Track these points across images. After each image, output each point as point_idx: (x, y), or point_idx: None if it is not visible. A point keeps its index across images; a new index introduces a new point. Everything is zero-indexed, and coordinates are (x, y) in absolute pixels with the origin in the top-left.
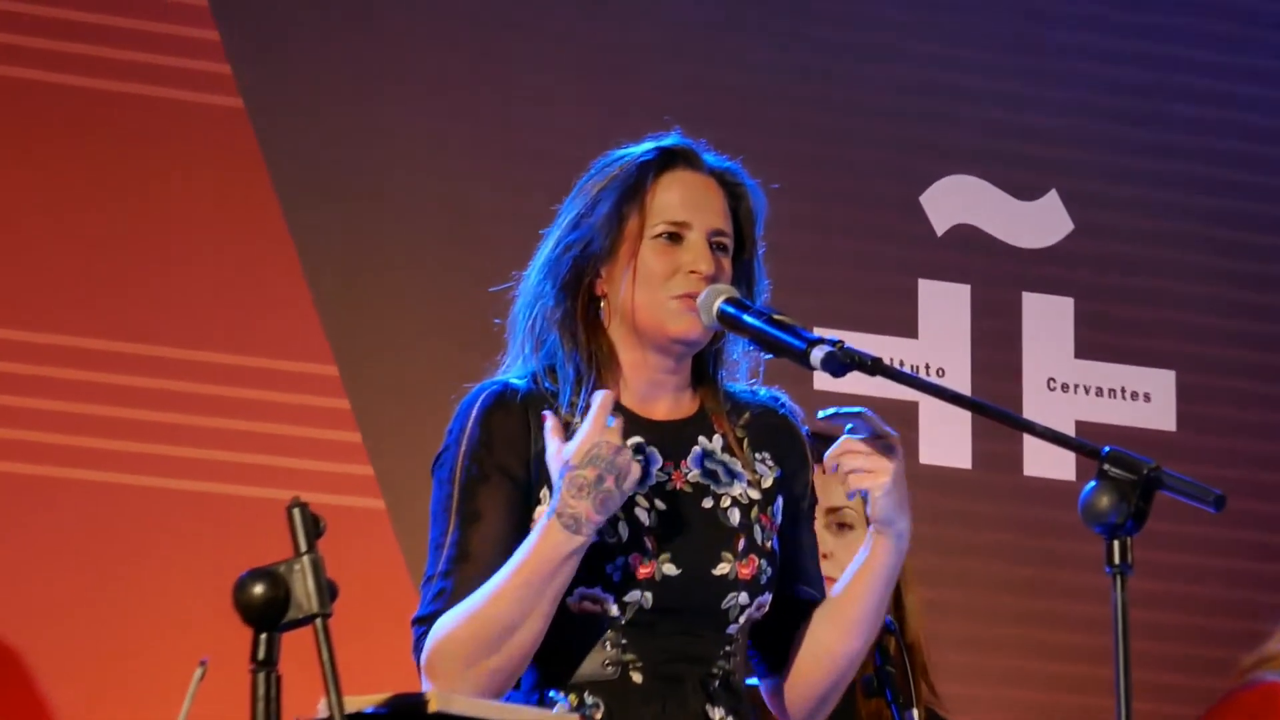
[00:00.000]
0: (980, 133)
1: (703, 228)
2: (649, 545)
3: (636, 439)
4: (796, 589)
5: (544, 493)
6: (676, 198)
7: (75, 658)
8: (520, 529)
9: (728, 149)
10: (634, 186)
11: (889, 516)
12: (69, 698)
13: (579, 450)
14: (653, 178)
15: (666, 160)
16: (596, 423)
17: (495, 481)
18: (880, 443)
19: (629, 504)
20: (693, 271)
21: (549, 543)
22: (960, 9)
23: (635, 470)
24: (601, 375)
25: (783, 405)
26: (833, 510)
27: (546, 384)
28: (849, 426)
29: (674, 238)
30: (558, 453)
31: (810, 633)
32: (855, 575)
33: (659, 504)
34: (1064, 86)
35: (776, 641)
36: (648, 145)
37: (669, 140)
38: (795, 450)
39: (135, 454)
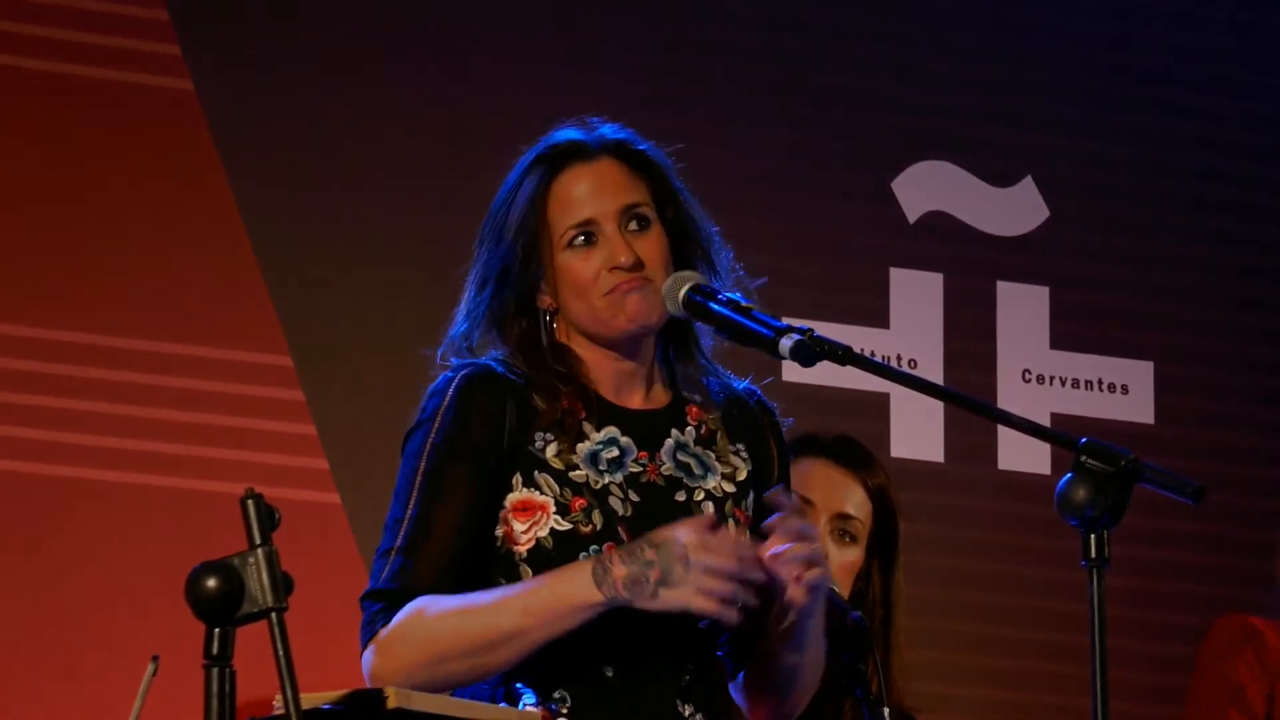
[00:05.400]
0: (953, 117)
1: (610, 213)
2: (623, 536)
3: (611, 429)
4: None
5: (515, 478)
6: (574, 196)
7: (25, 655)
8: (487, 512)
9: (695, 136)
10: (531, 205)
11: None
12: (18, 695)
13: (665, 534)
14: (545, 188)
15: (553, 165)
16: (698, 526)
17: (465, 461)
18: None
19: (604, 492)
20: (614, 267)
21: (569, 582)
22: None
23: (682, 593)
24: (572, 383)
25: (757, 397)
26: (842, 517)
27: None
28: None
29: (588, 238)
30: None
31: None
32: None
33: (633, 495)
34: (1039, 70)
35: (743, 642)
36: (527, 159)
37: (550, 142)
38: (768, 444)
39: (85, 446)
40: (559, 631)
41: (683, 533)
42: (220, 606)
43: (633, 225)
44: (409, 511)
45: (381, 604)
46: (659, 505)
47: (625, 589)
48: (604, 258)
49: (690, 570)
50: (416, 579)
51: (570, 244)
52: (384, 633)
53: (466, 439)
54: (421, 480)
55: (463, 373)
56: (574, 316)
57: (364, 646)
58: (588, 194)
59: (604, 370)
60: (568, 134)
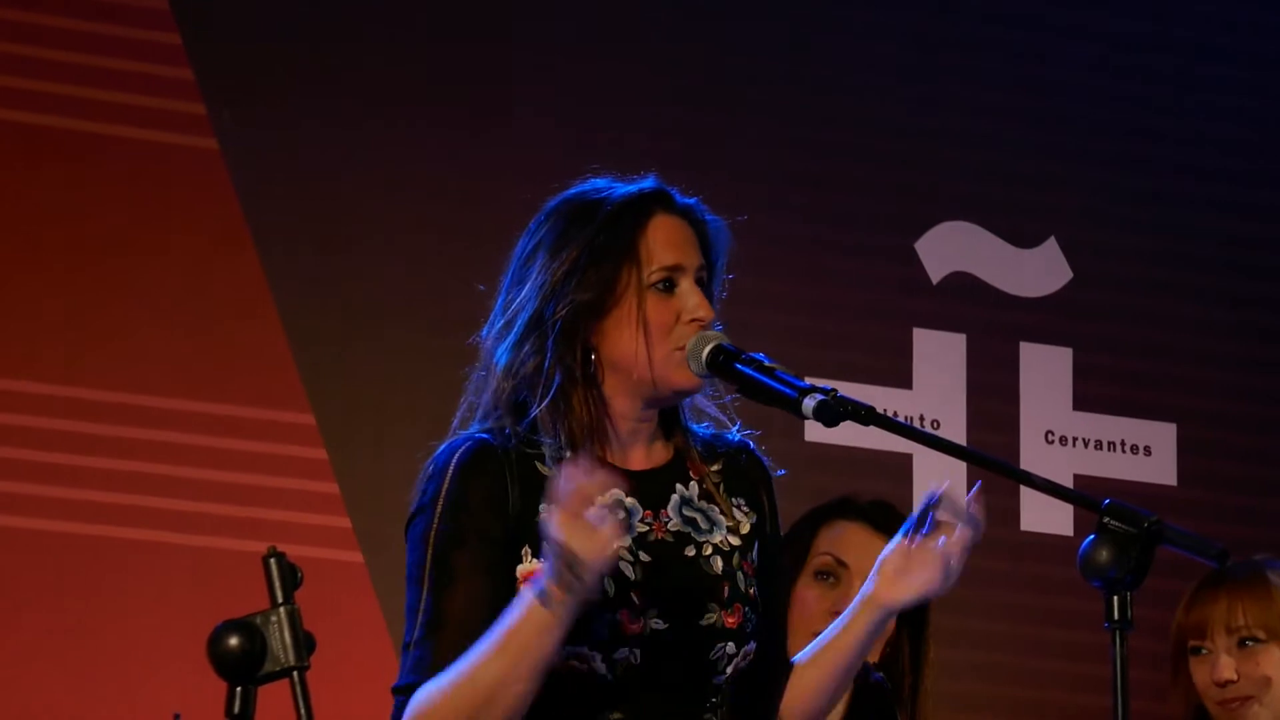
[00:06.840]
0: (977, 178)
1: (693, 267)
2: (636, 601)
3: (616, 492)
4: (776, 652)
5: (524, 550)
6: (665, 242)
7: (48, 713)
8: (499, 591)
9: (719, 196)
10: (624, 236)
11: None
12: None
13: (551, 542)
14: (640, 225)
15: (649, 205)
16: (562, 519)
17: (472, 544)
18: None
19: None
20: (694, 319)
21: (525, 613)
22: (957, 52)
23: (590, 563)
24: (594, 432)
25: (751, 448)
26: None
27: (529, 435)
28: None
29: (669, 284)
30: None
31: (796, 676)
32: (834, 640)
33: (643, 556)
34: (1062, 131)
35: (757, 700)
36: (624, 191)
37: (648, 184)
38: (762, 498)
39: (107, 504)
40: (539, 658)
41: (553, 532)
42: (242, 665)
43: (699, 286)
44: (423, 602)
45: (403, 698)
46: (670, 563)
47: (564, 591)
48: (689, 308)
49: (575, 548)
50: (436, 669)
51: (653, 285)
52: None
53: (471, 522)
54: (431, 569)
55: (459, 453)
56: (625, 359)
57: None
58: (677, 242)
59: (620, 424)
60: (655, 183)
